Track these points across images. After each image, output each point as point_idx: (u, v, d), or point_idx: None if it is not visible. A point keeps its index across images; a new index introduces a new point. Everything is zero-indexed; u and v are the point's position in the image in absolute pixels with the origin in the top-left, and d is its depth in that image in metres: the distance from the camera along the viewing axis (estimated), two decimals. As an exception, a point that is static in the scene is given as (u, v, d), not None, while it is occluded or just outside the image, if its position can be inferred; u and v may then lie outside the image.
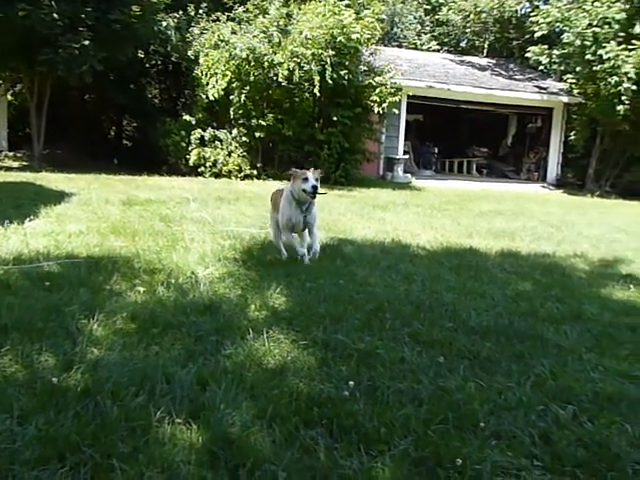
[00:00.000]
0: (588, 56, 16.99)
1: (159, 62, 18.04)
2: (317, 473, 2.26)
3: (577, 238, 8.64)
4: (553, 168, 20.72)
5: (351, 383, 2.96)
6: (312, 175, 5.21)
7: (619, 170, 18.53)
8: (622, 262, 6.96)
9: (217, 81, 13.76)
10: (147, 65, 18.05)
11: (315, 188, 5.13)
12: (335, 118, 13.98)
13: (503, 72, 21.66)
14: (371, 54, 15.18)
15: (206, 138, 14.51)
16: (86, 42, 13.17)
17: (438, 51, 27.74)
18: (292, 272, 5.07)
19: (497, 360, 3.47)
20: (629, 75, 16.18)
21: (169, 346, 3.31)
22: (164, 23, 15.89)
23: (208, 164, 14.29)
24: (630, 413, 2.95)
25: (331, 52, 13.32)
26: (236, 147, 14.42)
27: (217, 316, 3.82)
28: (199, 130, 14.51)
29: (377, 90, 14.32)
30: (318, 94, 13.37)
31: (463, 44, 30.45)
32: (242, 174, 14.26)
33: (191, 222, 7.27)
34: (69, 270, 4.68)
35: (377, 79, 14.46)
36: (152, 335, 3.43)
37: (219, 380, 2.90)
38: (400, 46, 27.65)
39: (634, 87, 16.35)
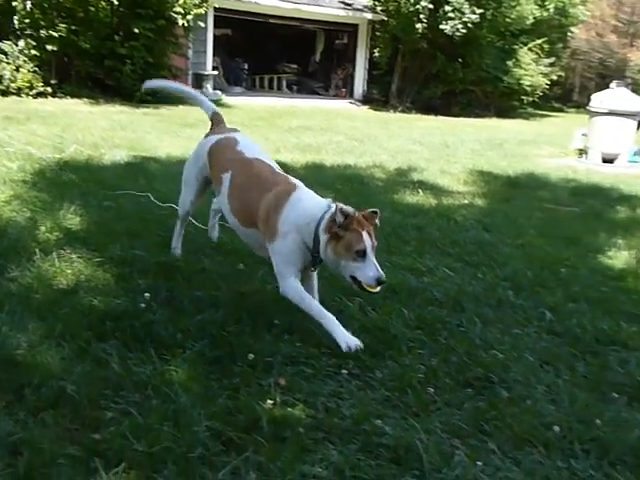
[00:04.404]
0: (389, -27, 17.52)
1: None
2: (109, 383, 2.25)
3: (378, 150, 9.17)
4: (359, 85, 21.45)
5: (147, 295, 2.94)
6: (371, 243, 2.68)
7: (418, 87, 19.65)
8: (415, 170, 7.56)
9: (-5, -15, 12.14)
10: None
11: (381, 283, 2.66)
12: (136, 30, 13.02)
13: (310, -13, 21.61)
14: (173, -39, 14.25)
15: (-13, 51, 12.90)
16: None
17: (245, -38, 26.84)
18: (89, 191, 4.82)
19: (294, 263, 3.63)
20: (426, -6, 16.98)
21: (-59, 275, 3.03)
22: None
23: (-7, 80, 12.77)
24: (409, 300, 3.30)
25: (128, -45, 12.30)
26: (25, 61, 12.94)
27: (1, 240, 3.54)
28: (-22, 41, 12.84)
29: (181, 1, 13.57)
30: (116, 3, 12.37)
31: (270, -44, 29.73)
32: (34, 91, 12.89)
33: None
34: None
35: (180, -11, 13.69)
36: None
37: (2, 304, 2.72)
38: (205, -45, 26.30)
39: (431, 6, 17.19)
